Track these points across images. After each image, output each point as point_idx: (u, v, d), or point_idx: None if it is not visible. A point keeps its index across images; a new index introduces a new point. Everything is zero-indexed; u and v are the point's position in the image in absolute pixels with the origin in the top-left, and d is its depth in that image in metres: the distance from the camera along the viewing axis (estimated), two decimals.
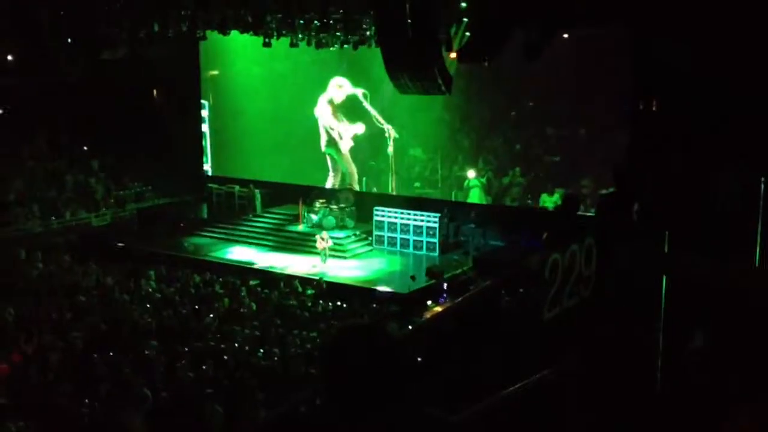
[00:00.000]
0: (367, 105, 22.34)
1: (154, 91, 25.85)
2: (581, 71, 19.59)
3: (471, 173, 21.68)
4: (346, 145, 23.36)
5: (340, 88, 22.82)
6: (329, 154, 23.65)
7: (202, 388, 11.38)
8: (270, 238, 22.09)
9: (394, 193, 22.52)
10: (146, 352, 12.79)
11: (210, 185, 25.02)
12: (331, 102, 23.16)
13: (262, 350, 13.04)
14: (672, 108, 13.48)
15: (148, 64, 23.57)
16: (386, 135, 22.26)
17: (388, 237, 21.02)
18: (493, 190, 21.80)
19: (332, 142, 23.46)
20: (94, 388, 11.23)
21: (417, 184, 22.96)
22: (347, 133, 23.21)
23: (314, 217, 21.58)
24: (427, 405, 3.04)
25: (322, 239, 19.62)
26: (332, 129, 23.29)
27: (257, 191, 23.72)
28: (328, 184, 23.58)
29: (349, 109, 23.16)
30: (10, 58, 23.68)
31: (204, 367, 12.21)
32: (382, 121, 22.23)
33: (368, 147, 23.28)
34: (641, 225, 8.97)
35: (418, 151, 23.14)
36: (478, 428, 4.72)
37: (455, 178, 22.54)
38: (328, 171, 23.86)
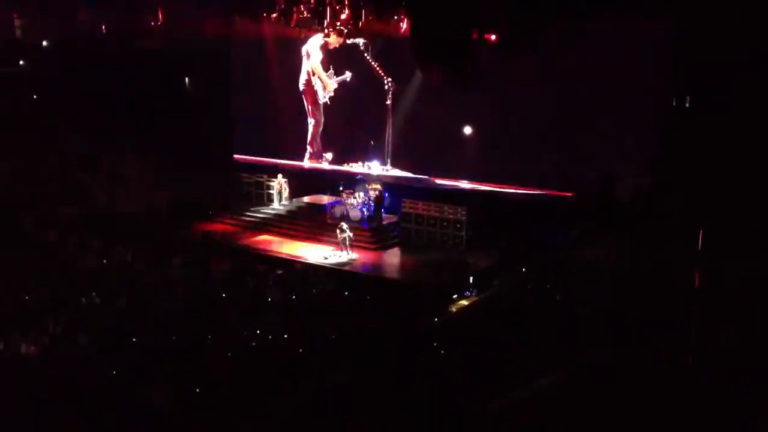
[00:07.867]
0: (368, 56, 22.11)
1: (186, 79, 25.88)
2: (619, 63, 19.10)
3: None
4: (323, 94, 23.21)
5: (337, 35, 22.17)
6: (305, 97, 23.56)
7: (226, 373, 11.44)
8: (295, 227, 22.10)
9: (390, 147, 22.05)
10: (173, 337, 12.89)
11: (239, 174, 25.06)
12: (324, 47, 22.82)
13: (286, 337, 13.07)
14: (708, 104, 13.24)
15: (182, 50, 23.67)
16: (386, 87, 22.12)
17: (415, 230, 20.89)
18: None
19: (310, 86, 23.28)
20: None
21: None
22: (331, 82, 23.00)
23: (341, 208, 21.52)
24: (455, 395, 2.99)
25: (342, 230, 19.62)
26: (315, 75, 23.00)
27: (284, 180, 23.78)
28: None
29: (346, 60, 22.86)
30: (45, 43, 23.97)
31: (229, 354, 12.26)
32: (383, 73, 21.99)
33: (365, 99, 22.96)
34: (676, 219, 8.81)
35: None
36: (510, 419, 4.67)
37: None
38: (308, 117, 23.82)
